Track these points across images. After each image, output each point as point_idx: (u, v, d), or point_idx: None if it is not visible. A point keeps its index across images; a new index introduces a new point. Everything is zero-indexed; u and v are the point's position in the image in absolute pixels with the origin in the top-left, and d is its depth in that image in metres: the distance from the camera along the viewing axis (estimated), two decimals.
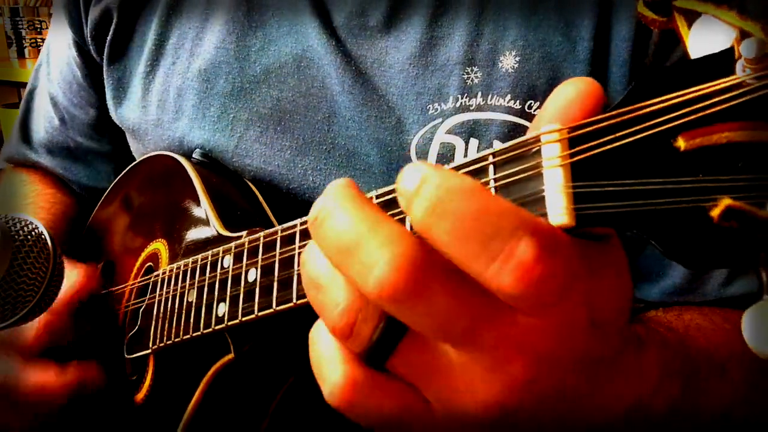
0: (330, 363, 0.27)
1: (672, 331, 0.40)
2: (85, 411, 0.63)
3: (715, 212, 0.21)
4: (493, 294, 0.23)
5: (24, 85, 2.07)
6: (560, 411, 0.27)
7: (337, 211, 0.25)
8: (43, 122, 0.81)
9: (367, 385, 0.26)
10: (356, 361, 0.27)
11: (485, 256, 0.22)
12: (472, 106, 0.53)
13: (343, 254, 0.24)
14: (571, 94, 0.26)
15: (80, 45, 0.73)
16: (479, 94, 0.53)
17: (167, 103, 0.64)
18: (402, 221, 0.29)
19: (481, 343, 0.24)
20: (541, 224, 0.23)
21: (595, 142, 0.24)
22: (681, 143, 0.22)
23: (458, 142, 0.53)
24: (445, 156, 0.53)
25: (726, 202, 0.21)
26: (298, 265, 0.38)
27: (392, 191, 0.30)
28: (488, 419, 0.26)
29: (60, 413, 0.56)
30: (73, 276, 0.58)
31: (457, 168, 0.28)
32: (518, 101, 0.52)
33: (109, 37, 0.68)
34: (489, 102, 0.52)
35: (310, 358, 0.28)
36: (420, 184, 0.23)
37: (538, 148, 0.25)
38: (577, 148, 0.24)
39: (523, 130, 0.51)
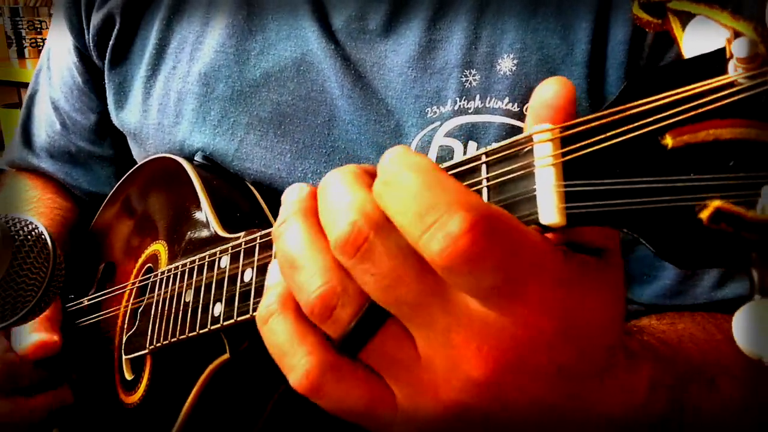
0: (295, 350, 0.27)
1: (665, 344, 0.40)
2: (82, 407, 0.64)
3: (705, 214, 0.21)
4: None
5: (24, 85, 2.08)
6: (536, 420, 0.27)
7: (337, 177, 0.27)
8: (45, 127, 0.81)
9: (335, 372, 0.27)
10: (323, 347, 0.27)
11: (422, 224, 0.23)
12: (470, 109, 0.53)
13: (326, 211, 0.26)
14: (549, 94, 0.27)
15: (81, 50, 0.73)
16: (477, 96, 0.53)
17: (167, 107, 0.64)
18: None
19: (433, 324, 0.25)
20: (481, 205, 0.24)
21: (586, 142, 0.24)
22: (668, 140, 0.22)
23: (457, 145, 0.53)
24: (444, 159, 0.53)
25: (715, 204, 0.21)
26: None
27: None
28: (450, 418, 0.27)
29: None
30: (33, 338, 0.58)
31: (451, 167, 0.28)
32: (516, 104, 0.52)
33: (111, 42, 0.68)
34: (487, 105, 0.52)
35: (267, 345, 0.28)
36: (383, 160, 0.26)
37: (530, 147, 0.26)
38: (569, 148, 0.25)
39: (521, 132, 0.51)
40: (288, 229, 0.28)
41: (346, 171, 0.27)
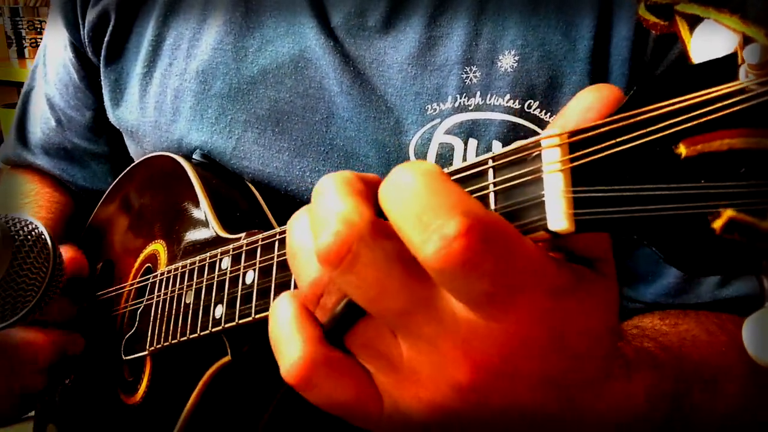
0: (290, 340, 0.28)
1: (666, 349, 0.40)
2: (81, 408, 0.63)
3: (718, 224, 0.21)
4: (433, 283, 0.25)
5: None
6: (525, 427, 0.27)
7: (328, 183, 0.27)
8: (40, 123, 0.80)
9: (325, 366, 0.27)
10: (318, 341, 0.28)
11: (420, 227, 0.23)
12: (470, 106, 0.52)
13: (314, 219, 0.27)
14: (591, 100, 0.26)
15: (76, 47, 0.72)
16: (478, 93, 0.52)
17: (164, 104, 0.64)
18: None
19: (419, 333, 0.25)
20: (480, 211, 0.23)
21: (595, 147, 0.24)
22: (682, 150, 0.22)
23: (457, 143, 0.53)
24: (444, 156, 0.53)
25: (728, 213, 0.20)
26: None
27: None
28: (433, 421, 0.27)
29: (44, 377, 0.58)
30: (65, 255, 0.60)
31: (457, 171, 0.28)
32: (517, 101, 0.52)
33: (106, 39, 0.67)
34: (488, 102, 0.52)
35: (269, 334, 0.29)
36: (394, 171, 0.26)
37: (538, 152, 0.25)
38: (578, 153, 0.24)
39: (522, 129, 0.51)
40: (296, 220, 0.30)
41: (338, 177, 0.27)
